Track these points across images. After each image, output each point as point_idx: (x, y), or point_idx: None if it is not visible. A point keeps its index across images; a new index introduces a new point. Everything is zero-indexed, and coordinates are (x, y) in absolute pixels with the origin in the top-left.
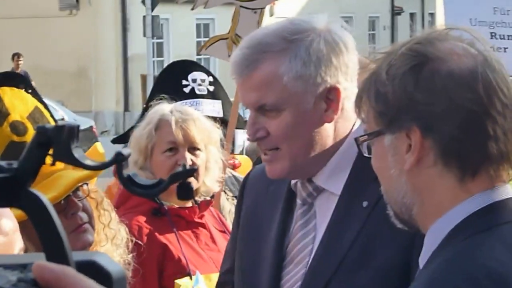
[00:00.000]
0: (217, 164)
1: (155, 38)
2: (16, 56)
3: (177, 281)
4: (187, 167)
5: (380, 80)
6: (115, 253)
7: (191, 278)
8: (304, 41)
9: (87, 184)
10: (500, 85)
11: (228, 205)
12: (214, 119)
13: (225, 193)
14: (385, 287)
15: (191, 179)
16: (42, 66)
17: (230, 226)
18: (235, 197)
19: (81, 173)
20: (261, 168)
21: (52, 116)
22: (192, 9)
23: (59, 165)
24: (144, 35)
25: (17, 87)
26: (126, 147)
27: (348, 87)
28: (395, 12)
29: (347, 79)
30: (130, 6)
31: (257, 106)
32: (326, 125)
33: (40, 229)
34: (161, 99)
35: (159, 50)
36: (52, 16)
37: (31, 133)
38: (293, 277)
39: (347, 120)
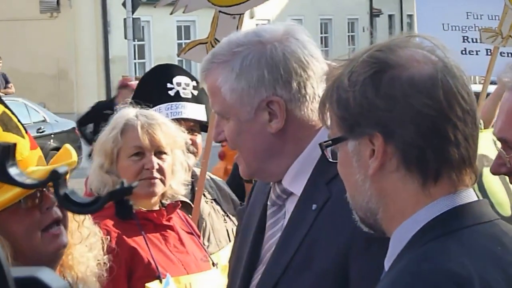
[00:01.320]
0: (182, 168)
1: (136, 40)
2: None
3: (148, 284)
4: (125, 185)
5: (342, 87)
6: (90, 254)
7: (160, 281)
8: (242, 53)
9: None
10: (460, 91)
11: (208, 208)
12: (199, 123)
13: (204, 196)
14: (323, 285)
15: (156, 181)
16: (22, 69)
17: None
18: (214, 199)
19: (54, 165)
20: None
21: (19, 121)
22: (171, 13)
23: (31, 162)
24: (125, 37)
25: None
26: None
27: (295, 98)
28: (374, 14)
29: (290, 90)
30: (111, 8)
31: (214, 111)
32: (274, 133)
33: None
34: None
35: (140, 52)
36: (32, 19)
37: (1, 134)
38: (258, 275)
39: (307, 128)
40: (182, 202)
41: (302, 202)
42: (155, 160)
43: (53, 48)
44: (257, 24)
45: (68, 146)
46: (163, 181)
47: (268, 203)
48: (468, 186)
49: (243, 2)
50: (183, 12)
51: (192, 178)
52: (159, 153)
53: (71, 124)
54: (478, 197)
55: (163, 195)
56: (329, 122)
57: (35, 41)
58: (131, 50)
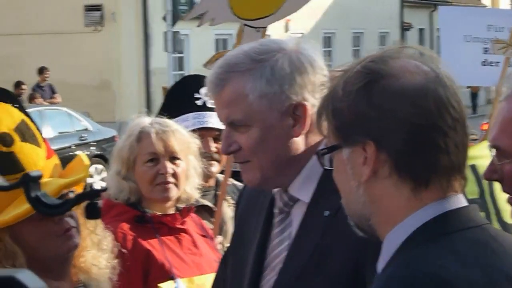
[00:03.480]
0: (196, 172)
1: (175, 52)
2: (44, 69)
3: (160, 284)
4: (94, 187)
5: (336, 97)
6: (101, 258)
7: (174, 282)
8: (270, 61)
9: (72, 191)
10: (451, 101)
11: (230, 212)
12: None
13: (227, 200)
14: None
15: (171, 186)
16: (67, 80)
17: (229, 231)
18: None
19: (65, 180)
20: None
21: (38, 128)
22: (198, 25)
23: (46, 173)
24: (165, 50)
25: (4, 102)
26: None
27: (316, 104)
28: (405, 28)
29: (314, 96)
30: (151, 22)
31: (228, 122)
32: (295, 139)
33: None
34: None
35: (179, 64)
36: (78, 32)
37: (18, 144)
38: (267, 282)
39: (316, 134)
40: (205, 206)
41: (312, 209)
42: (169, 165)
43: (96, 60)
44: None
45: (82, 155)
46: (177, 186)
47: (275, 210)
48: (458, 191)
49: (267, 16)
50: (210, 25)
51: (216, 184)
52: (173, 158)
53: (112, 132)
54: (487, 203)
55: (177, 199)
56: (325, 131)
57: (80, 54)
58: (171, 62)
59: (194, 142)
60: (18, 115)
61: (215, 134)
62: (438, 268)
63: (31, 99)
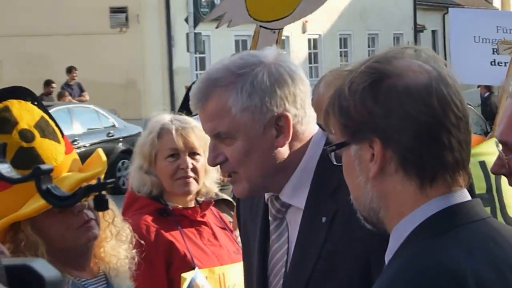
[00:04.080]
0: (215, 167)
1: (197, 53)
2: (72, 69)
3: (183, 274)
4: (101, 180)
5: (343, 96)
6: (120, 249)
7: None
8: (250, 74)
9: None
10: (454, 99)
11: None
12: None
13: None
14: None
15: (191, 180)
16: (95, 79)
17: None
18: None
19: (84, 174)
20: None
21: (57, 125)
22: (217, 27)
23: (65, 168)
24: (188, 50)
25: (24, 100)
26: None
27: (298, 113)
28: (418, 29)
29: (296, 106)
30: (174, 24)
31: (214, 134)
32: (280, 148)
33: None
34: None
35: (201, 64)
36: (104, 33)
37: (38, 140)
38: (275, 286)
39: (302, 141)
40: (224, 200)
41: (309, 215)
42: (189, 160)
43: (122, 60)
44: (309, 39)
45: (100, 150)
46: (197, 180)
47: (270, 218)
48: (462, 186)
49: (282, 18)
50: (228, 27)
51: None
52: (193, 154)
53: (138, 129)
54: (493, 198)
55: (197, 193)
56: (333, 129)
57: (106, 54)
58: (193, 62)
59: None
60: (37, 112)
61: None
62: (447, 259)
63: (60, 97)
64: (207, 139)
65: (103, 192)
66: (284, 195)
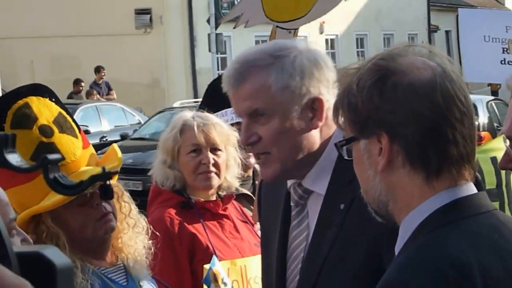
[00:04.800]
0: (236, 162)
1: (219, 53)
2: (100, 68)
3: (205, 265)
4: (106, 170)
5: (351, 92)
6: (137, 239)
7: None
8: (288, 56)
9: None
10: (458, 95)
11: None
12: None
13: None
14: (361, 280)
15: (212, 175)
16: (121, 78)
17: None
18: None
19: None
20: None
21: (74, 120)
22: (234, 27)
23: (83, 162)
24: (209, 50)
25: (43, 97)
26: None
27: (330, 99)
28: (432, 30)
29: (328, 91)
30: (196, 25)
31: (250, 112)
32: (313, 131)
33: None
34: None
35: (222, 63)
36: (129, 34)
37: (57, 135)
38: (293, 271)
39: (329, 128)
40: (244, 194)
41: (328, 201)
42: (210, 156)
43: (147, 60)
44: (326, 39)
45: (115, 145)
46: (218, 175)
47: (292, 204)
48: (468, 180)
49: (298, 18)
50: (244, 27)
51: (254, 174)
52: (214, 149)
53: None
54: (502, 193)
55: (219, 187)
56: (343, 124)
57: (131, 54)
58: (215, 62)
59: (233, 135)
60: (55, 108)
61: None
62: (453, 251)
63: (89, 95)
64: (228, 135)
65: (108, 182)
66: (307, 181)
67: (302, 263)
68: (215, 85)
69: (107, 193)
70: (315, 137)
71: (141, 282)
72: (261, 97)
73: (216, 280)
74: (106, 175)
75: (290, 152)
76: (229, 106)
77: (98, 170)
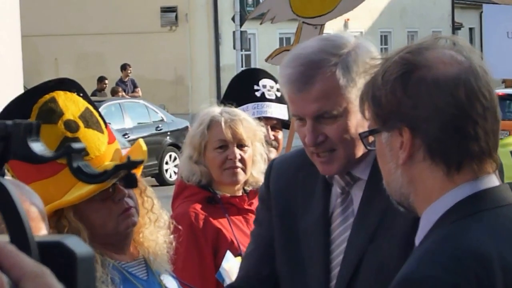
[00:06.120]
0: (262, 158)
1: (243, 50)
2: (126, 66)
3: (237, 258)
4: (130, 159)
5: (376, 85)
6: (159, 234)
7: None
8: (349, 54)
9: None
10: (482, 90)
11: None
12: (281, 121)
13: None
14: (404, 255)
15: (238, 171)
16: (145, 75)
17: None
18: None
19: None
20: (286, 157)
21: (100, 115)
22: (261, 23)
23: (108, 157)
24: (234, 47)
25: (70, 91)
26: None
27: None
28: (456, 27)
29: None
30: (221, 23)
31: (318, 115)
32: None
33: (2, 211)
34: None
35: (247, 61)
36: (155, 32)
37: (82, 130)
38: (338, 255)
39: None
40: None
41: (372, 183)
42: (237, 151)
43: (172, 57)
44: None
45: (141, 141)
46: (244, 170)
47: (338, 190)
48: (490, 172)
49: (324, 14)
50: (271, 23)
51: None
52: (241, 145)
53: (185, 123)
54: None
55: (245, 182)
56: (367, 115)
57: (156, 51)
58: (239, 59)
59: (260, 130)
60: (82, 103)
61: (273, 123)
62: (474, 242)
63: (115, 92)
64: (255, 130)
65: (132, 171)
66: (357, 170)
67: (346, 243)
68: (237, 80)
69: (131, 182)
70: None
71: (161, 276)
72: (330, 98)
73: (230, 275)
74: (130, 164)
75: (355, 148)
76: (251, 101)
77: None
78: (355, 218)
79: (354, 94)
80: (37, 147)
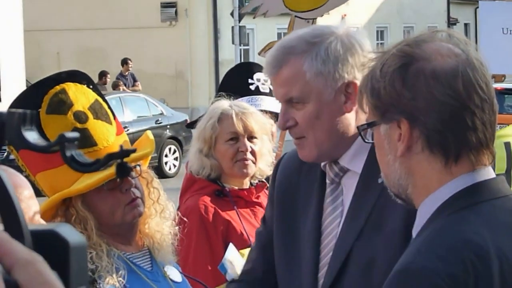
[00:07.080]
0: (269, 151)
1: (242, 45)
2: (127, 60)
3: (241, 251)
4: (124, 148)
5: (375, 77)
6: (164, 225)
7: None
8: (324, 43)
9: (139, 165)
10: (479, 82)
11: None
12: (275, 114)
13: None
14: (393, 248)
15: (249, 163)
16: (145, 70)
17: None
18: None
19: (134, 154)
20: (295, 151)
21: (109, 107)
22: (254, 17)
23: (115, 148)
24: (233, 42)
25: (80, 83)
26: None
27: None
28: (451, 22)
29: (362, 74)
30: (220, 18)
31: (286, 99)
32: (347, 115)
33: None
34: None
35: (245, 55)
36: (155, 27)
37: (91, 121)
38: (327, 245)
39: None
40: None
41: (365, 177)
42: (248, 143)
43: (172, 52)
44: None
45: (148, 132)
46: (254, 162)
47: (327, 181)
48: (486, 165)
49: (316, 8)
50: (264, 17)
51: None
52: (251, 138)
53: (184, 116)
54: (510, 178)
55: (252, 175)
56: (366, 108)
57: (157, 46)
58: (238, 54)
59: (269, 123)
60: (92, 95)
61: (268, 116)
62: (470, 234)
63: (115, 86)
64: (264, 123)
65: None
66: (343, 160)
67: (336, 237)
68: (232, 74)
69: (124, 171)
70: (349, 120)
71: (165, 267)
72: (296, 84)
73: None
74: (123, 153)
75: (325, 136)
76: (245, 95)
77: (133, 155)
78: (347, 214)
79: (320, 83)
80: (31, 136)
